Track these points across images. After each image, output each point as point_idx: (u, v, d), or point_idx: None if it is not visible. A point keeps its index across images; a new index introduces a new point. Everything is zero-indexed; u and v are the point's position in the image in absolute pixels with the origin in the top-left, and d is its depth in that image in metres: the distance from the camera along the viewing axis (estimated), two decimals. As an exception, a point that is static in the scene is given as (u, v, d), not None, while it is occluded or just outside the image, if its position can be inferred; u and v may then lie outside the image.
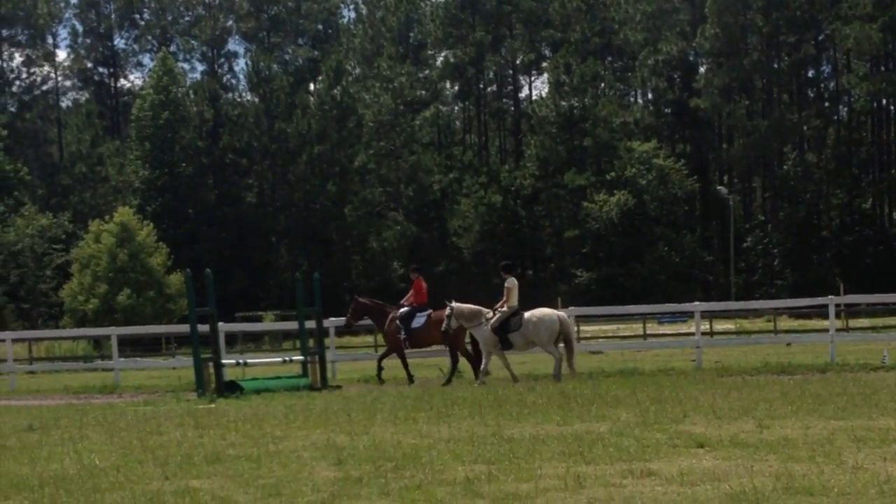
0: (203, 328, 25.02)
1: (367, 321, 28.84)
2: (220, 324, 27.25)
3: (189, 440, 13.30)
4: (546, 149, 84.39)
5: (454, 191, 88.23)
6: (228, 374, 24.63)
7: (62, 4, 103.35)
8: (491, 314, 24.70)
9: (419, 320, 26.42)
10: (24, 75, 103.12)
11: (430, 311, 26.64)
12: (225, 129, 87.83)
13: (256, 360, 30.11)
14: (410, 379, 26.12)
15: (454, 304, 25.48)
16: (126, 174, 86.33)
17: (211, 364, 23.50)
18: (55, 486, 10.10)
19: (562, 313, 25.31)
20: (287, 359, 26.77)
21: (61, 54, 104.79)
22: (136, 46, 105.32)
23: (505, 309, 24.44)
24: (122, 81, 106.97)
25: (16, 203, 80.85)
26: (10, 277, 76.06)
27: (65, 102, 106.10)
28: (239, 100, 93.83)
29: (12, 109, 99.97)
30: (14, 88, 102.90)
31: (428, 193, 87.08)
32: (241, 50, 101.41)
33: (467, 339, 26.19)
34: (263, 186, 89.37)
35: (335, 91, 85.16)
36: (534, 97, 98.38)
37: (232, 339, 45.54)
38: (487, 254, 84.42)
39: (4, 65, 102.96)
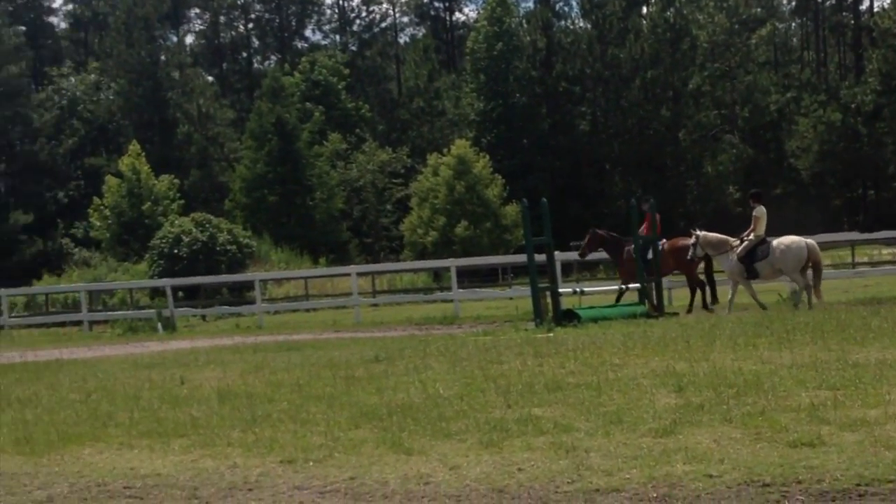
0: (539, 258, 25.17)
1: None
2: (557, 253, 27.42)
3: (529, 369, 13.39)
4: (889, 62, 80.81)
5: (791, 110, 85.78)
6: (565, 303, 24.71)
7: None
8: (737, 243, 24.68)
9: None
10: (364, 14, 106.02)
11: (664, 240, 26.76)
12: (558, 58, 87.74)
13: (592, 288, 30.10)
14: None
15: (700, 232, 25.58)
16: (462, 107, 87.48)
17: (548, 293, 23.65)
18: (402, 415, 10.41)
19: (810, 241, 24.66)
20: (624, 286, 26.64)
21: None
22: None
23: (752, 237, 24.29)
24: (458, 15, 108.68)
25: (357, 140, 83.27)
26: (353, 213, 78.51)
27: (402, 39, 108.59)
28: (571, 27, 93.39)
29: (353, 48, 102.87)
30: (354, 27, 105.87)
31: (764, 114, 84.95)
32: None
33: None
34: (597, 113, 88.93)
35: (668, 13, 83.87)
36: (875, 9, 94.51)
37: (568, 268, 45.71)
38: (826, 175, 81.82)
39: (345, 4, 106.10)
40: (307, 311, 41.61)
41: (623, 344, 15.45)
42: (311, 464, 8.72)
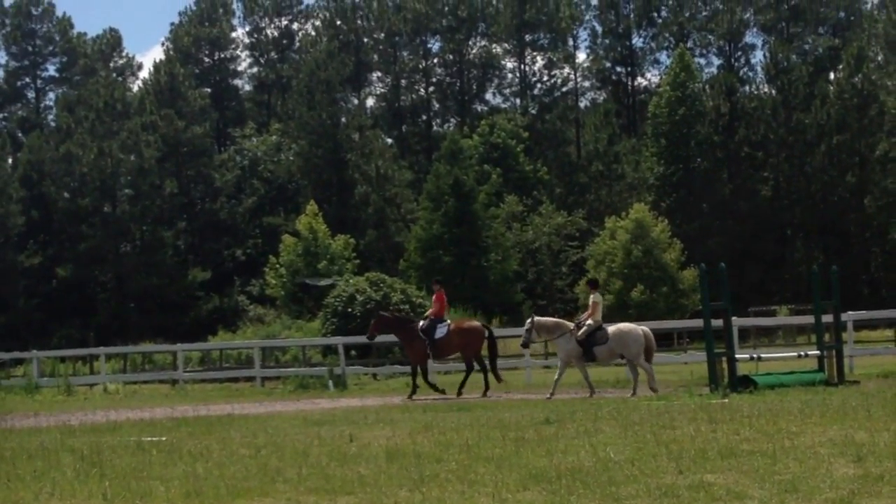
0: (716, 323, 24.86)
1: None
2: (734, 318, 27.04)
3: (702, 435, 13.24)
4: None
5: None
6: (741, 369, 24.42)
7: (583, 7, 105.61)
8: (573, 327, 26.36)
9: (441, 331, 28.61)
10: (546, 78, 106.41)
11: (449, 322, 29.01)
12: (741, 123, 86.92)
13: (770, 354, 29.54)
14: (436, 388, 29.14)
15: (535, 317, 27.64)
16: (641, 171, 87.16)
17: (724, 359, 23.38)
18: (571, 478, 10.29)
19: (645, 327, 26.69)
20: (802, 353, 26.16)
21: (581, 56, 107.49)
22: (653, 44, 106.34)
23: (591, 322, 25.97)
24: (639, 80, 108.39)
25: (534, 202, 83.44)
26: (528, 275, 78.53)
27: (583, 102, 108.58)
28: (756, 92, 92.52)
29: (533, 112, 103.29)
30: (535, 91, 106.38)
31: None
32: (758, 42, 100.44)
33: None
34: (779, 179, 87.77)
35: (856, 79, 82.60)
36: None
37: (745, 333, 44.98)
38: None
39: (527, 69, 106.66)
40: (478, 371, 41.53)
41: (800, 411, 15.26)
42: (477, 525, 8.64)
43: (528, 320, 27.71)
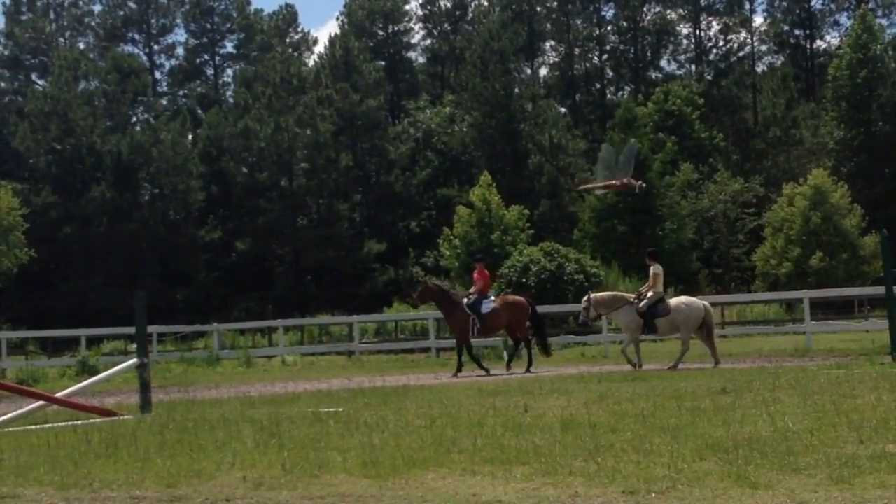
0: (899, 290, 24.31)
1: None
2: (918, 285, 26.37)
3: (884, 404, 12.93)
4: None
5: None
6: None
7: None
8: (634, 298, 26.35)
9: (487, 306, 28.71)
10: (721, 43, 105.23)
11: (493, 297, 29.25)
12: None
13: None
14: (480, 365, 29.11)
15: (592, 294, 27.66)
16: (820, 136, 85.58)
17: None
18: (748, 448, 10.12)
19: (706, 302, 26.76)
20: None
21: (758, 20, 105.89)
22: (832, 6, 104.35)
23: (651, 294, 25.87)
24: (818, 42, 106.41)
25: (710, 170, 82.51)
26: (704, 243, 77.74)
27: (760, 67, 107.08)
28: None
29: (709, 77, 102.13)
30: (711, 56, 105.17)
31: None
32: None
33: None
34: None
35: None
36: None
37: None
38: None
39: (702, 34, 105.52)
40: (654, 341, 41.24)
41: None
42: (654, 495, 8.52)
43: (585, 297, 27.67)
